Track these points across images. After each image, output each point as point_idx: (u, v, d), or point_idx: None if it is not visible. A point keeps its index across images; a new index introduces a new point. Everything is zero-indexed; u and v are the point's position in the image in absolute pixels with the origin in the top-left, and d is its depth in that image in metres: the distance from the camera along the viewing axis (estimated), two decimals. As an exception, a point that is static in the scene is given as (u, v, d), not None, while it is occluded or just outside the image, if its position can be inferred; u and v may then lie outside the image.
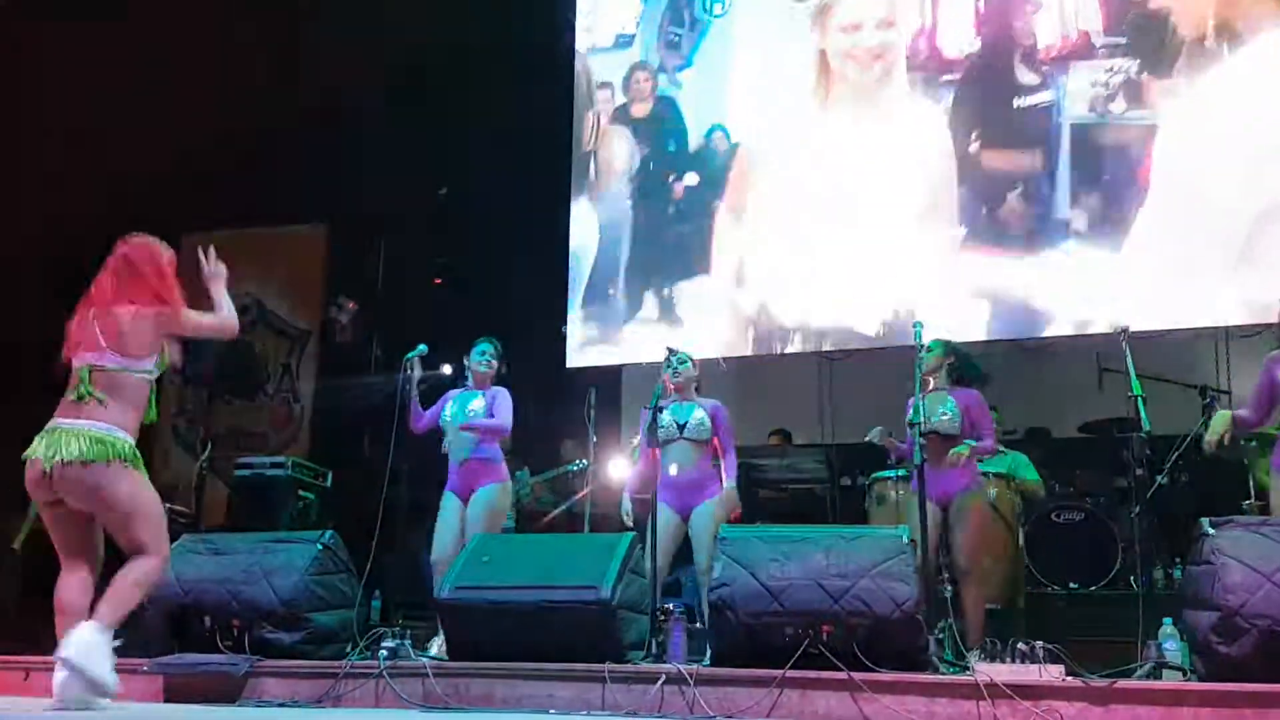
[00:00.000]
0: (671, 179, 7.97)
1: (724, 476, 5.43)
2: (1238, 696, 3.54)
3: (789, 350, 7.45)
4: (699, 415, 5.46)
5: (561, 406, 7.53)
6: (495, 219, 8.72)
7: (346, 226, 9.71)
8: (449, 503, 5.54)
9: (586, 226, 8.13)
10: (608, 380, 7.80)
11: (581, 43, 8.44)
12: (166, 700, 4.45)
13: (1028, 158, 7.10)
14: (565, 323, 8.04)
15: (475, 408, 5.57)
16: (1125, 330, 4.95)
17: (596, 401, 6.63)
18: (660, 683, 3.97)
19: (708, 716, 3.86)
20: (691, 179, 7.91)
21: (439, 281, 9.41)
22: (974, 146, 7.22)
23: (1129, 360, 4.79)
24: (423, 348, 5.61)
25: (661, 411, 5.38)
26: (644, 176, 8.07)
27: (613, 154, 8.19)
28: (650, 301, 7.83)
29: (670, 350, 5.68)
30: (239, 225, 9.92)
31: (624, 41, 8.32)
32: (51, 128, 8.28)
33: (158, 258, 4.11)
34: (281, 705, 4.28)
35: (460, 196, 9.21)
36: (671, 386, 5.59)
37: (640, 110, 8.18)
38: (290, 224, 10.00)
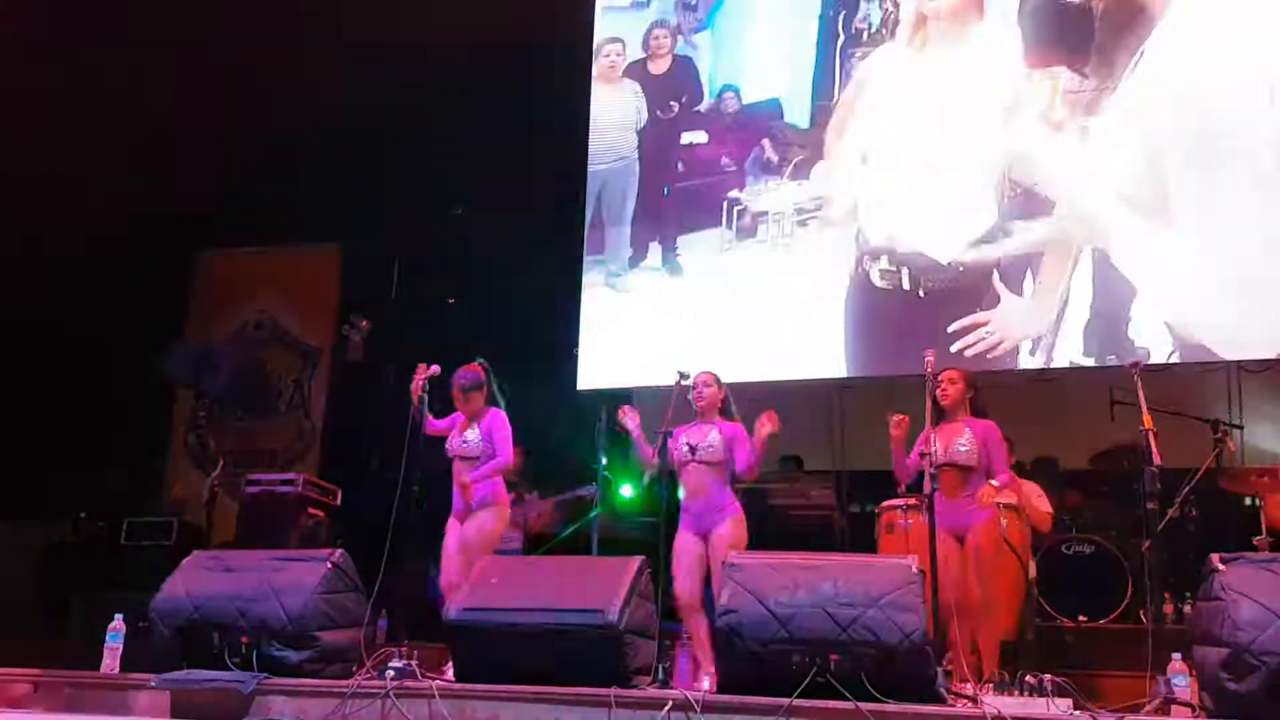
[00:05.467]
0: (681, 134, 8.08)
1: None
2: (1247, 734, 3.53)
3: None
4: (712, 437, 5.38)
5: (572, 429, 7.53)
6: (509, 239, 8.75)
7: (360, 245, 9.75)
8: (450, 527, 5.61)
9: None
10: (619, 402, 7.78)
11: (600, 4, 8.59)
12: (173, 716, 4.46)
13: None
14: (578, 344, 8.05)
15: (469, 437, 5.62)
16: (1137, 363, 4.96)
17: (607, 424, 6.63)
18: (667, 709, 3.95)
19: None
20: (700, 136, 8.03)
21: (452, 301, 9.43)
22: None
23: (1140, 393, 4.79)
24: (435, 370, 5.64)
25: (672, 435, 5.35)
26: (654, 130, 8.16)
27: (622, 107, 8.31)
28: (655, 251, 7.94)
29: (681, 374, 5.56)
30: (254, 244, 10.01)
31: (640, 3, 8.51)
32: (67, 146, 8.34)
33: None
34: (288, 723, 4.28)
35: (475, 215, 9.24)
36: (696, 408, 5.52)
37: (657, 67, 8.32)
38: (304, 242, 10.06)
